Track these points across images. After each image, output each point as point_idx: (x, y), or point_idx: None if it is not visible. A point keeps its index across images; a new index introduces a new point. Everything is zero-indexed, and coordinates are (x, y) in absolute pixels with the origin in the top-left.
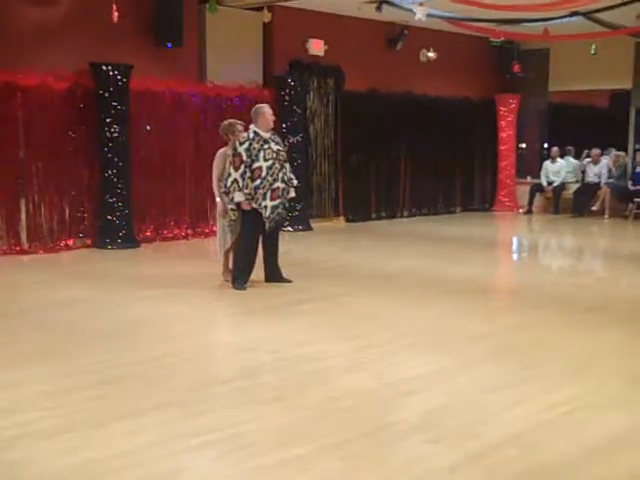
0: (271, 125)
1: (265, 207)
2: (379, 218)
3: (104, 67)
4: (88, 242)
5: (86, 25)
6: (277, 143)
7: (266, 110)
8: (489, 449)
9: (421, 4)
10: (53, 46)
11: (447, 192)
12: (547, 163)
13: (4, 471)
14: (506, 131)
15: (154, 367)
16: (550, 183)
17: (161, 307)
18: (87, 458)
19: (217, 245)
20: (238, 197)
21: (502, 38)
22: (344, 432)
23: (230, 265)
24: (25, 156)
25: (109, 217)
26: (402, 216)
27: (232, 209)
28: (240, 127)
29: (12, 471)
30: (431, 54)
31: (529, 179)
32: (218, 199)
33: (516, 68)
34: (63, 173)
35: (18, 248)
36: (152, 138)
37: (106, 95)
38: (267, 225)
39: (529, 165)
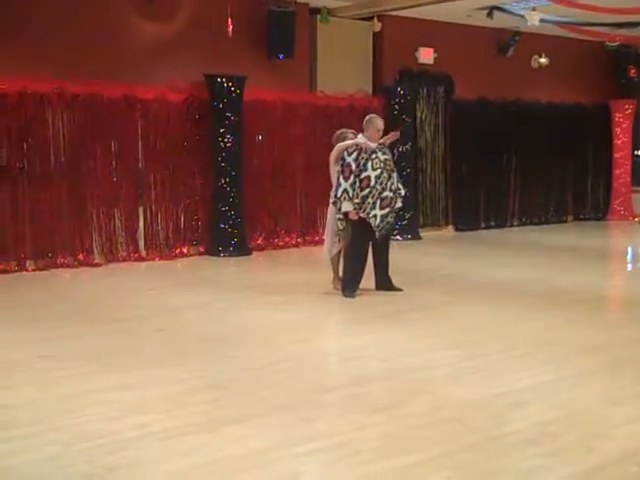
0: (377, 141)
1: (374, 216)
2: (488, 227)
3: (219, 79)
4: (202, 250)
5: (201, 39)
6: (384, 153)
7: (375, 124)
8: (607, 465)
9: (534, 9)
10: (170, 60)
11: (559, 201)
12: None
13: (124, 471)
14: (621, 138)
15: (265, 373)
16: None
17: (272, 314)
18: (201, 461)
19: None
20: (346, 207)
21: (618, 42)
22: (452, 443)
23: (340, 273)
24: (143, 167)
25: (222, 225)
26: (512, 225)
27: (340, 219)
28: (351, 135)
29: (131, 471)
30: (543, 60)
31: None
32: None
33: (632, 72)
34: (178, 183)
35: (136, 255)
36: (264, 147)
37: (220, 106)
38: (377, 234)
39: None
